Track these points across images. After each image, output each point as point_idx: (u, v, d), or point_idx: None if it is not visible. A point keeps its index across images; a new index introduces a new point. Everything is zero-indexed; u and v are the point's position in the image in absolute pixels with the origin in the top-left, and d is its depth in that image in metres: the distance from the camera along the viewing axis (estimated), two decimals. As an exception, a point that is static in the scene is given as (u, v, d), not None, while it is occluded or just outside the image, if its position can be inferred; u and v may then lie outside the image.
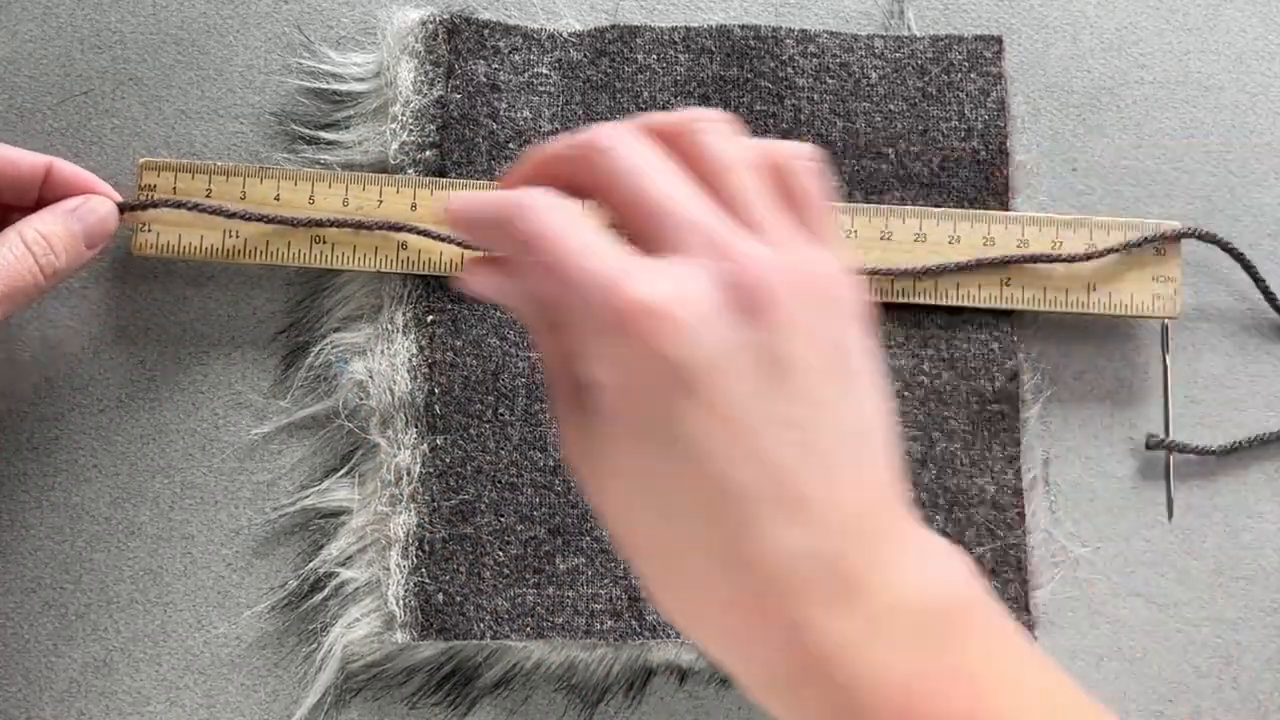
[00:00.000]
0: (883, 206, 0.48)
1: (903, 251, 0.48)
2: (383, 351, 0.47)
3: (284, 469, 0.47)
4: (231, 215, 0.46)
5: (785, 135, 0.49)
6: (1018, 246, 0.48)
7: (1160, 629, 0.47)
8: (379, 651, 0.46)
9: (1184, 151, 0.51)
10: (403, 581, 0.45)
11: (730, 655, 0.28)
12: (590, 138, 0.29)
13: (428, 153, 0.48)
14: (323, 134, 0.49)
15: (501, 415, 0.47)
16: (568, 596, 0.46)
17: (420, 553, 0.46)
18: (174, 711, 0.46)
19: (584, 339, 0.28)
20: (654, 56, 0.49)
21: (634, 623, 0.45)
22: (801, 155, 0.30)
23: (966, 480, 0.47)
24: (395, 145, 0.48)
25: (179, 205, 0.46)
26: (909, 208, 0.48)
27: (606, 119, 0.49)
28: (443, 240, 0.47)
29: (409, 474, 0.46)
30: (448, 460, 0.46)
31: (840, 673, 0.27)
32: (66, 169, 0.44)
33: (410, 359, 0.47)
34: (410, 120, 0.48)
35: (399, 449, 0.46)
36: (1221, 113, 0.51)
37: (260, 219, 0.46)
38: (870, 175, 0.49)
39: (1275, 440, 0.48)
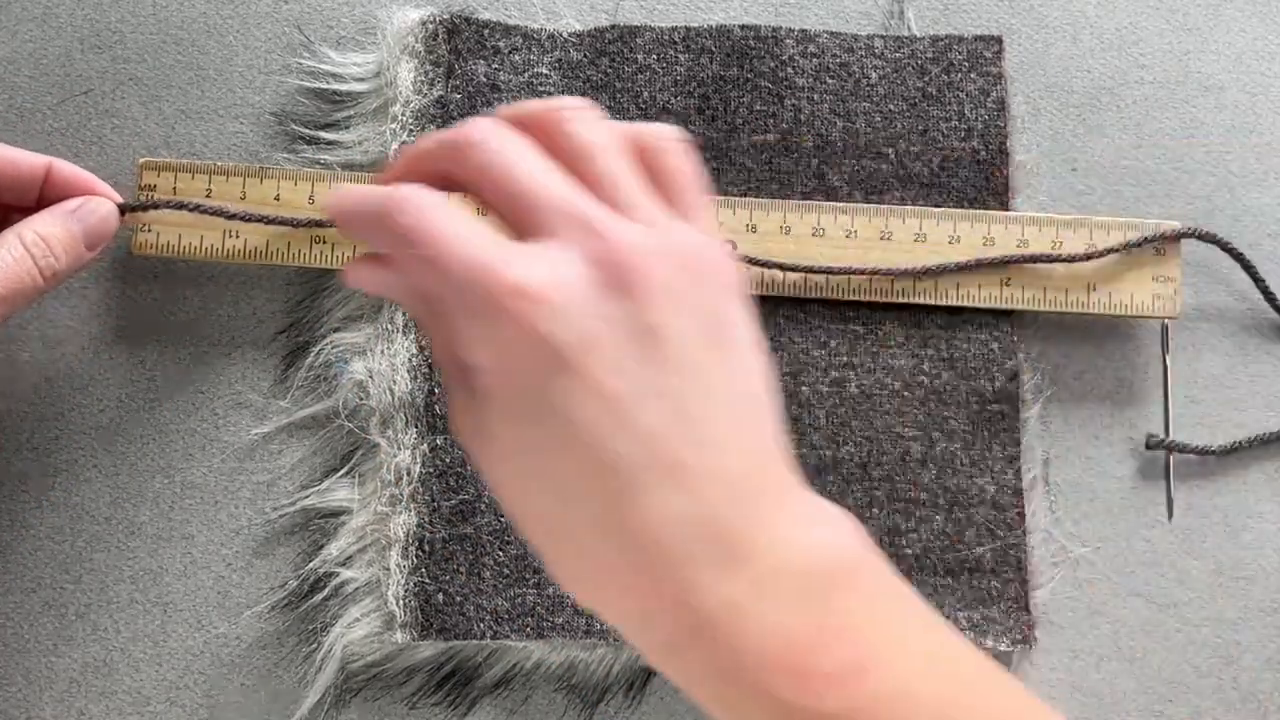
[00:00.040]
0: (883, 206, 0.48)
1: (903, 251, 0.48)
2: (383, 351, 0.47)
3: (284, 469, 0.47)
4: (231, 216, 0.46)
5: (785, 135, 0.49)
6: (1018, 246, 0.48)
7: (1160, 629, 0.47)
8: (379, 651, 0.46)
9: (1184, 151, 0.51)
10: (403, 581, 0.45)
11: (624, 621, 0.29)
12: (461, 133, 0.30)
13: (428, 153, 0.48)
14: (323, 134, 0.49)
15: (501, 415, 0.47)
16: (568, 596, 0.46)
17: (420, 553, 0.46)
18: (174, 711, 0.46)
19: (463, 324, 0.29)
20: (654, 56, 0.49)
21: (634, 623, 0.45)
22: (667, 136, 0.32)
23: (966, 480, 0.47)
24: (395, 145, 0.48)
25: (180, 206, 0.46)
26: (909, 208, 0.48)
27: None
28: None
29: (409, 474, 0.46)
30: (448, 460, 0.46)
31: (726, 633, 0.27)
32: (67, 169, 0.44)
33: (410, 359, 0.47)
34: (410, 120, 0.48)
35: (399, 449, 0.46)
36: (1221, 113, 0.51)
37: (260, 219, 0.46)
38: (870, 175, 0.49)
39: (1275, 440, 0.48)
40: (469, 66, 0.49)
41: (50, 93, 0.49)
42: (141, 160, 0.47)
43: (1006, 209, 0.49)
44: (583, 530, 0.28)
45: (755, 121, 0.49)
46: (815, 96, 0.49)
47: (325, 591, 0.46)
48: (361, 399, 0.47)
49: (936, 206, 0.49)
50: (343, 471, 0.47)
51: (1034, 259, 0.47)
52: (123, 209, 0.45)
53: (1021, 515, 0.47)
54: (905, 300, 0.48)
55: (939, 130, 0.49)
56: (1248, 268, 0.49)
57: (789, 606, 0.28)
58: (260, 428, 0.47)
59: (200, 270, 0.48)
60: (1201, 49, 0.52)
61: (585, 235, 0.29)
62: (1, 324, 0.43)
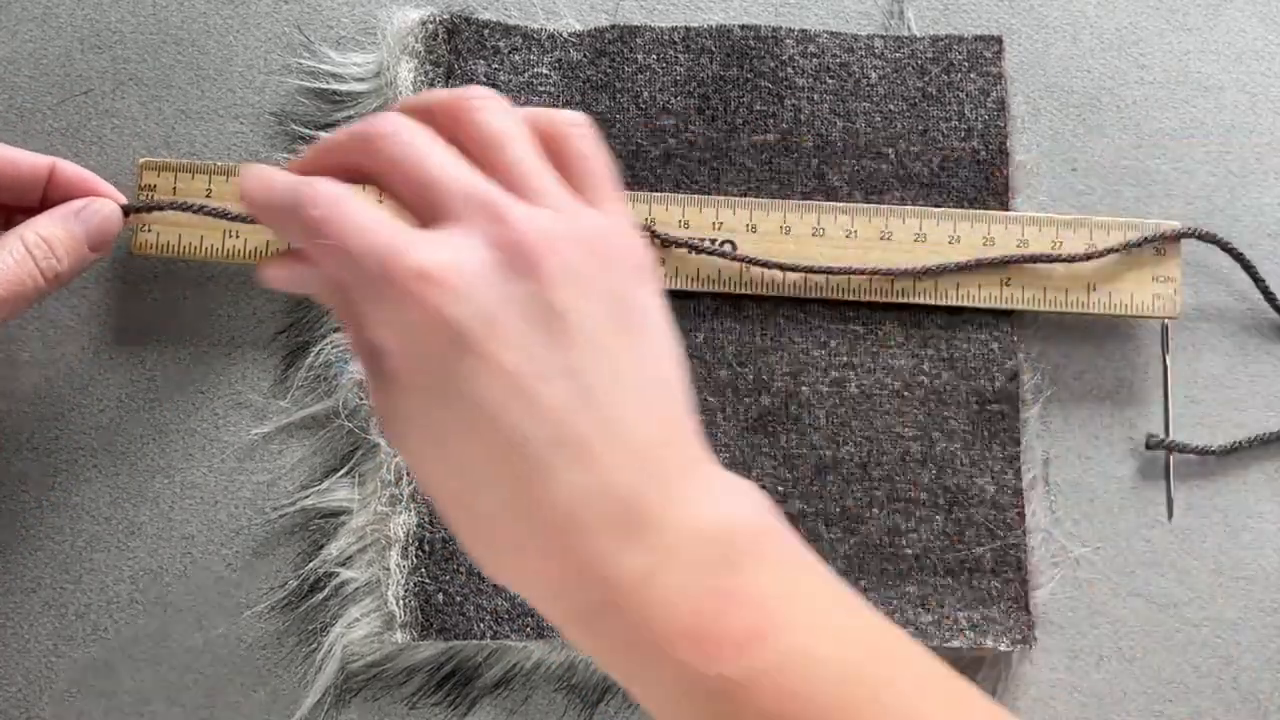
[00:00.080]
0: (883, 206, 0.48)
1: (903, 251, 0.48)
2: (383, 352, 0.47)
3: (284, 469, 0.47)
4: (232, 217, 0.46)
5: (785, 135, 0.49)
6: (1018, 246, 0.48)
7: (1160, 629, 0.47)
8: (379, 651, 0.46)
9: (1184, 151, 0.51)
10: (403, 581, 0.45)
11: (536, 596, 0.30)
12: (368, 126, 0.31)
13: (428, 153, 0.48)
14: (323, 134, 0.49)
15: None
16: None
17: (420, 553, 0.46)
18: (174, 712, 0.46)
19: (370, 308, 0.29)
20: (654, 56, 0.49)
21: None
22: (574, 123, 0.32)
23: (966, 480, 0.47)
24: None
25: (184, 208, 0.46)
26: (909, 208, 0.48)
27: (606, 119, 0.49)
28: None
29: (409, 474, 0.46)
30: (448, 460, 0.46)
31: (634, 603, 0.28)
32: (70, 170, 0.44)
33: (410, 359, 0.47)
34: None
35: (399, 449, 0.46)
36: (1221, 113, 0.51)
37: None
38: (870, 175, 0.49)
39: (1275, 440, 0.48)
40: (469, 66, 0.49)
41: (50, 93, 0.49)
42: (141, 160, 0.47)
43: (1006, 209, 0.49)
44: (494, 509, 0.29)
45: (755, 121, 0.49)
46: (815, 96, 0.49)
47: (325, 591, 0.46)
48: (361, 399, 0.47)
49: (936, 206, 0.49)
50: (343, 471, 0.47)
51: (1034, 259, 0.47)
52: (126, 210, 0.45)
53: (1021, 515, 0.47)
54: (905, 300, 0.48)
55: (939, 130, 0.49)
56: (1248, 268, 0.49)
57: (695, 575, 0.28)
58: (260, 428, 0.47)
59: (200, 270, 0.48)
60: (1201, 49, 0.52)
61: (489, 220, 0.29)
62: (1, 325, 0.43)
